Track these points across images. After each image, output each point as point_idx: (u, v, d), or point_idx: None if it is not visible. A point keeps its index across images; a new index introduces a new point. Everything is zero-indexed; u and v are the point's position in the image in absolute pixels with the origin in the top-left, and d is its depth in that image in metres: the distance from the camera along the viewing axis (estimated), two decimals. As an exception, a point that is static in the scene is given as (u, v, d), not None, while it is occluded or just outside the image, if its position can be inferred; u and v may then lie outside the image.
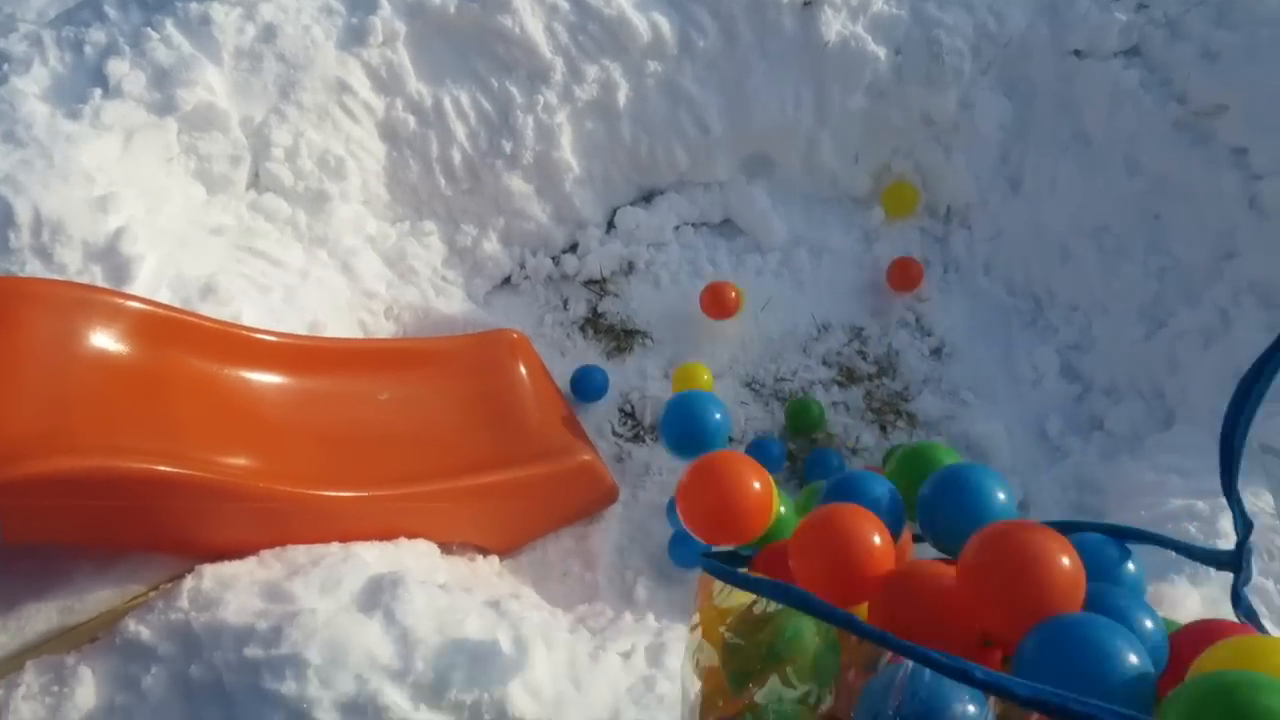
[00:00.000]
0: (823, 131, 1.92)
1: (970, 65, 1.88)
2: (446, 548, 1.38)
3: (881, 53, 1.84)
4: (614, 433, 1.66)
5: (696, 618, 0.70)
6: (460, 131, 1.78)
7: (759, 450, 1.59)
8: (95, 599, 1.16)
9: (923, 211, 1.96)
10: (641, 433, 1.65)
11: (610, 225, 1.89)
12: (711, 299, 1.73)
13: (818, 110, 1.90)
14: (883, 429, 1.69)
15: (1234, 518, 0.57)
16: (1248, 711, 0.47)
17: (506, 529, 1.45)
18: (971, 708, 0.57)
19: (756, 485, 0.70)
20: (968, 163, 1.91)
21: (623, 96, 1.83)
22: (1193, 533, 1.23)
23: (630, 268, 1.85)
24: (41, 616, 1.14)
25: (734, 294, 1.72)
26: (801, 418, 1.64)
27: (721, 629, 0.65)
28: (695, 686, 0.68)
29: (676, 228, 1.90)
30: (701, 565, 0.69)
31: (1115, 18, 1.76)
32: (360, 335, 1.63)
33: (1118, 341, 1.70)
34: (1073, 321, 1.77)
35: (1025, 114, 1.90)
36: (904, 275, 1.83)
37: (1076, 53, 1.80)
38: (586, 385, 1.66)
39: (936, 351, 1.79)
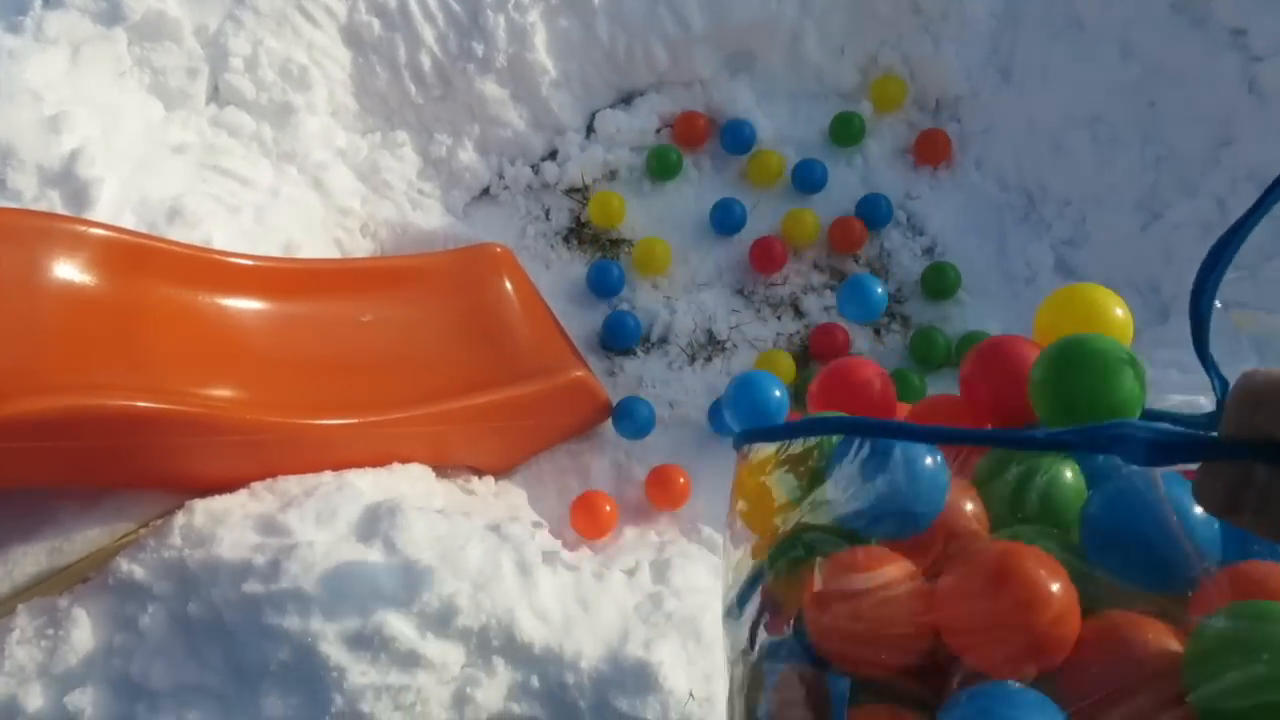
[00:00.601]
0: (806, 23, 1.84)
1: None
2: (441, 471, 1.36)
3: (868, -63, 1.75)
4: (603, 346, 1.62)
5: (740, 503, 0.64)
6: (428, 34, 1.68)
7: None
8: (84, 538, 1.13)
9: (910, 105, 1.90)
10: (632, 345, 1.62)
11: (590, 130, 1.82)
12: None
13: (801, 1, 1.81)
14: (876, 332, 1.67)
15: (1211, 380, 0.55)
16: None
17: (501, 449, 1.42)
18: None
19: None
20: (957, 53, 1.84)
21: (597, -9, 1.74)
22: (1196, 429, 1.21)
23: (613, 174, 1.79)
24: (29, 559, 1.11)
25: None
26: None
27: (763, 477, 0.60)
28: (737, 557, 0.62)
29: (658, 130, 1.83)
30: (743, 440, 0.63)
31: (1112, -107, 1.68)
32: (337, 254, 1.57)
33: (1113, 235, 1.67)
34: (1066, 216, 1.74)
35: (1017, 1, 1.83)
36: (932, 148, 1.81)
37: None
38: (604, 280, 1.63)
39: (929, 251, 1.75)
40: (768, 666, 0.55)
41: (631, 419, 1.48)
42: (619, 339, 1.60)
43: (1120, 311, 0.65)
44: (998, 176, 1.81)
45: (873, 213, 1.73)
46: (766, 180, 1.77)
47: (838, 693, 0.50)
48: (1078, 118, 1.74)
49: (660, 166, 1.75)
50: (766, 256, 1.67)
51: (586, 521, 1.39)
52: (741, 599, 0.61)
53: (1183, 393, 1.33)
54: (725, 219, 1.71)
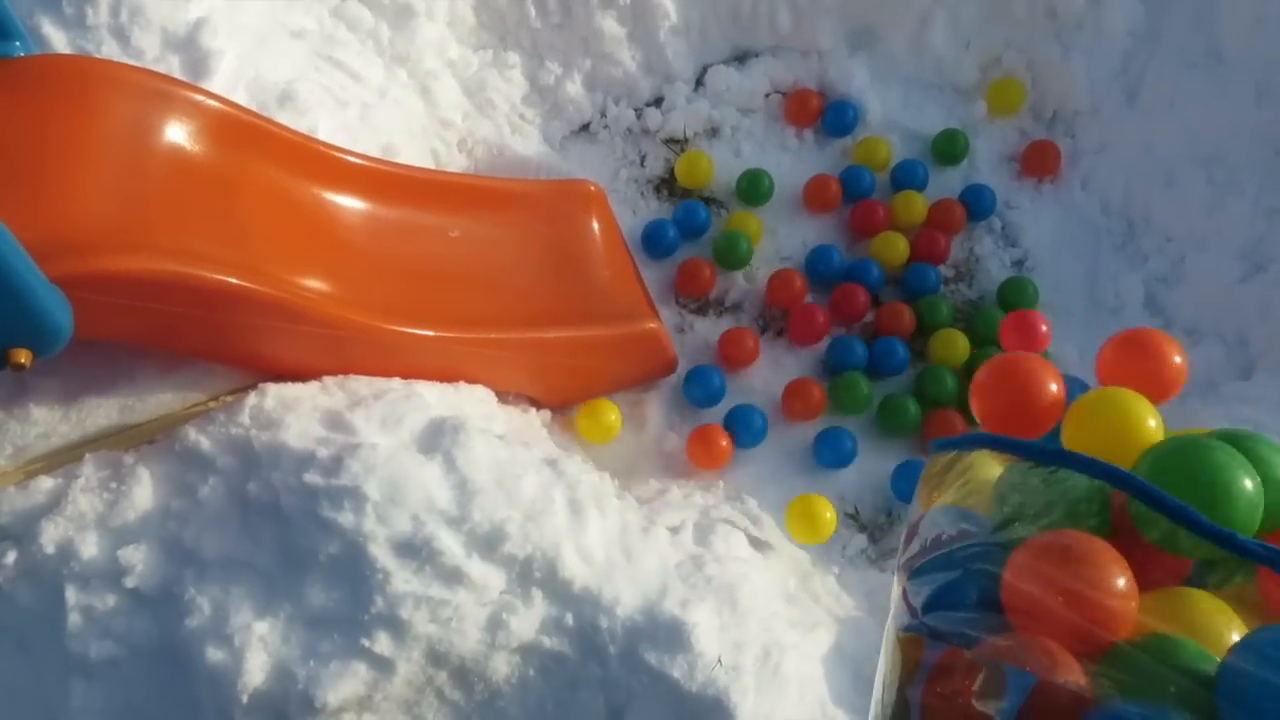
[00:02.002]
0: (938, 10, 1.79)
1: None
2: (503, 396, 1.37)
3: (1018, -69, 1.70)
4: (678, 301, 1.62)
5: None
6: (558, -42, 1.66)
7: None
8: (156, 401, 1.16)
9: (1026, 112, 1.85)
10: (707, 305, 1.61)
11: (699, 83, 1.79)
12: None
13: (938, -16, 1.77)
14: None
15: None
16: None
17: (563, 386, 1.43)
18: None
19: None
20: (1086, 66, 1.79)
21: (733, -58, 1.70)
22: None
23: (715, 131, 1.77)
24: (102, 412, 1.14)
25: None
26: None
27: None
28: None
29: (767, 95, 1.80)
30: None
31: (1280, -73, 1.61)
32: (432, 165, 1.57)
33: (1209, 280, 1.63)
34: (1165, 252, 1.69)
35: (1158, 21, 1.77)
36: (1041, 159, 1.77)
37: None
38: (658, 240, 1.62)
39: (1019, 263, 1.72)
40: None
41: (704, 386, 1.48)
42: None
43: (1154, 423, 0.63)
44: (1102, 199, 1.77)
45: (976, 201, 1.71)
46: (873, 166, 1.74)
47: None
48: (1197, 153, 1.69)
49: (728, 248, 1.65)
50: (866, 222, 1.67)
51: (703, 452, 1.43)
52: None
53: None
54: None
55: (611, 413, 1.44)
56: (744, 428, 1.45)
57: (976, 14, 1.79)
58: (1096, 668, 0.54)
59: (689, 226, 1.64)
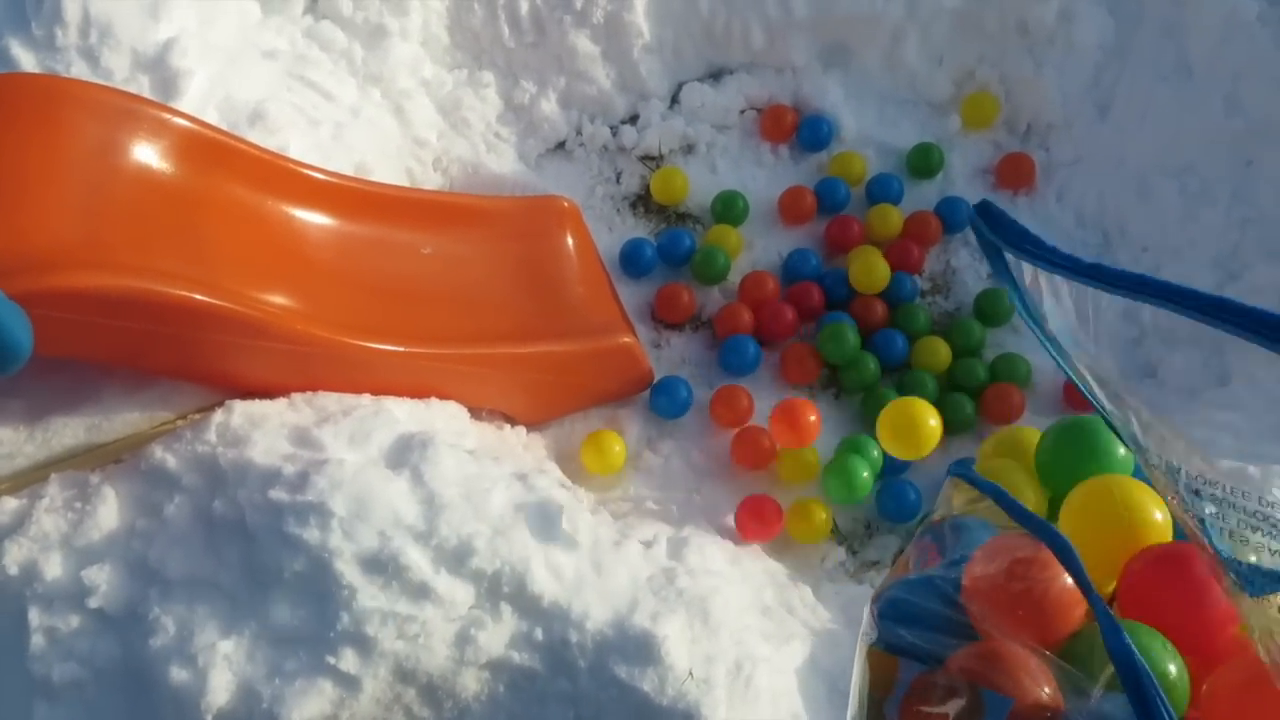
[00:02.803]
0: (910, 26, 1.81)
1: (1077, -27, 1.76)
2: (476, 413, 1.36)
3: (987, -52, 1.72)
4: (654, 318, 1.62)
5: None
6: (531, -22, 1.67)
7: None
8: (123, 420, 1.15)
9: (1000, 126, 1.86)
10: (683, 322, 1.61)
11: (674, 100, 1.80)
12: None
13: (909, 3, 1.78)
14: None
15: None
16: None
17: (537, 401, 1.42)
18: None
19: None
20: (1058, 80, 1.80)
21: (705, -38, 1.72)
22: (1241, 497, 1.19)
23: (690, 148, 1.77)
24: (69, 431, 1.13)
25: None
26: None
27: None
28: None
29: (742, 111, 1.81)
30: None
31: (1244, -59, 1.63)
32: (407, 183, 1.58)
33: (1185, 289, 1.63)
34: (1141, 262, 1.70)
35: (1128, 35, 1.79)
36: (1015, 172, 1.78)
37: None
38: (636, 260, 1.61)
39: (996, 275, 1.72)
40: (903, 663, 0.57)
41: (670, 397, 1.47)
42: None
43: (1160, 515, 0.61)
44: (1077, 211, 1.78)
45: (952, 214, 1.71)
46: (848, 180, 1.74)
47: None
48: (1169, 165, 1.70)
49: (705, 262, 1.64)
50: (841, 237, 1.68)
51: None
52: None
53: (1233, 458, 1.31)
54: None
55: (616, 444, 1.42)
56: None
57: (948, 30, 1.81)
58: (1061, 658, 0.54)
59: (672, 253, 1.64)
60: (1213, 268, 1.61)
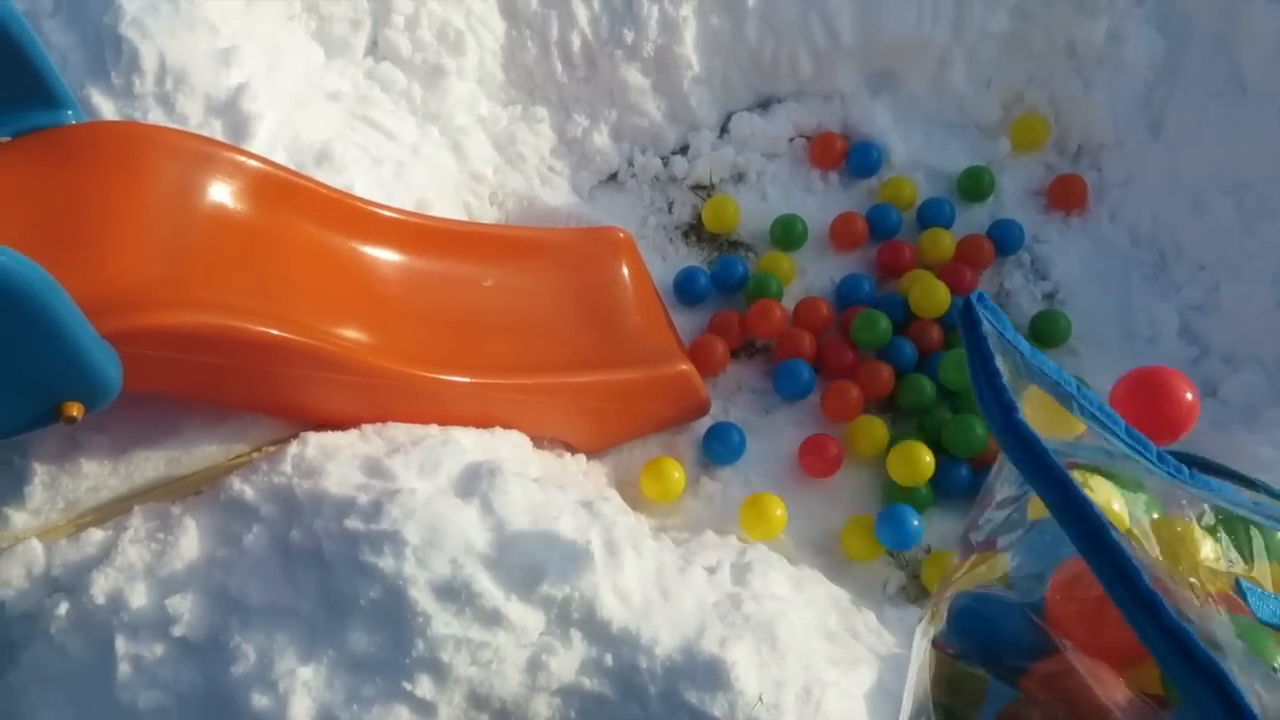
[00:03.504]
0: (956, 50, 1.82)
1: (1126, -7, 1.76)
2: (538, 441, 1.38)
3: (1033, -31, 1.73)
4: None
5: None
6: (582, 15, 1.71)
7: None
8: (202, 453, 1.19)
9: (1050, 147, 1.86)
10: (737, 348, 1.62)
11: (724, 130, 1.83)
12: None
13: (955, 27, 1.79)
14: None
15: None
16: None
17: (597, 430, 1.44)
18: None
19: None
20: (1108, 100, 1.80)
21: (753, -7, 1.74)
22: None
23: (740, 177, 1.80)
24: (150, 464, 1.17)
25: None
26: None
27: None
28: None
29: (791, 139, 1.83)
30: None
31: (1294, -45, 1.62)
32: (465, 217, 1.61)
33: (1245, 307, 1.61)
34: (1198, 281, 1.68)
35: (1178, 53, 1.78)
36: (1067, 193, 1.78)
37: None
38: (690, 288, 1.64)
39: (1049, 296, 1.72)
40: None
41: (723, 442, 1.49)
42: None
43: None
44: (1131, 231, 1.77)
45: (1004, 236, 1.71)
46: (899, 205, 1.75)
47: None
48: (1225, 182, 1.68)
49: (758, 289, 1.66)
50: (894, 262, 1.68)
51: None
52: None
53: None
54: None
55: (675, 470, 1.44)
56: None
57: (996, 53, 1.82)
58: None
59: (725, 280, 1.66)
60: (1273, 285, 1.59)
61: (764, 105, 1.85)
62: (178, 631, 1.08)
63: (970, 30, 1.78)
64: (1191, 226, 1.70)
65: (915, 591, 1.41)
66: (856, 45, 1.80)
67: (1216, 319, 1.64)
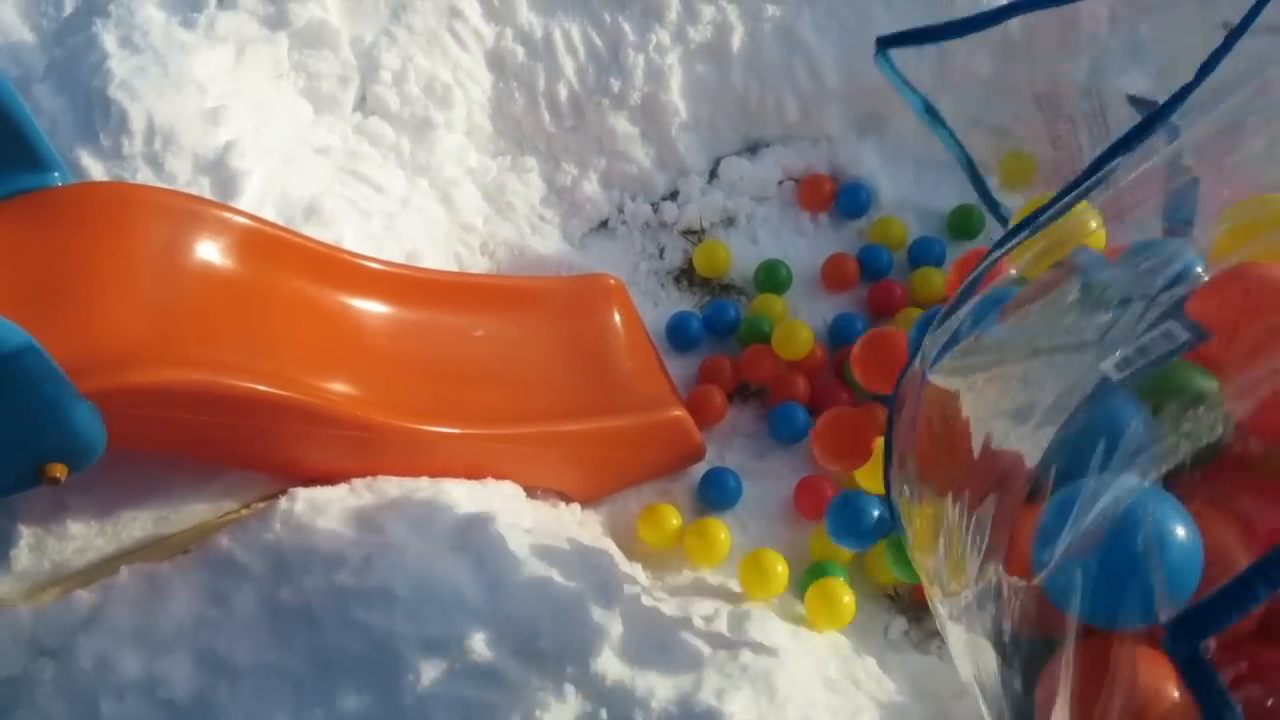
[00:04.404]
0: (943, 92, 1.82)
1: (1106, 30, 1.78)
2: (531, 492, 1.37)
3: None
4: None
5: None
6: (569, 66, 1.73)
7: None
8: (190, 512, 1.17)
9: (1039, 184, 1.87)
10: (731, 392, 1.61)
11: (713, 174, 1.84)
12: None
13: (939, 69, 1.81)
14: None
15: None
16: None
17: (591, 478, 1.43)
18: None
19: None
20: (1092, 136, 1.81)
21: (737, 40, 1.76)
22: None
23: (730, 221, 1.80)
24: (138, 524, 1.16)
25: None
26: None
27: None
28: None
29: (780, 182, 1.84)
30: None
31: (1275, -8, 1.64)
32: (456, 268, 1.61)
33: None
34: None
35: (1161, 88, 1.79)
36: None
37: (1225, 25, 1.68)
38: (683, 332, 1.63)
39: (1043, 332, 1.71)
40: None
41: (719, 489, 1.48)
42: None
43: None
44: (1123, 265, 1.77)
45: None
46: (889, 245, 1.76)
47: None
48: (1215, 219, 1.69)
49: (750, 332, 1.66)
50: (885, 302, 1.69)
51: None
52: None
53: None
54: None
55: (673, 516, 1.42)
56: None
57: (981, 94, 1.83)
58: None
59: (717, 324, 1.66)
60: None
61: (752, 149, 1.86)
62: (165, 694, 1.06)
63: (955, 73, 1.80)
64: (1182, 260, 1.71)
65: (918, 637, 1.38)
66: (842, 88, 1.81)
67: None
